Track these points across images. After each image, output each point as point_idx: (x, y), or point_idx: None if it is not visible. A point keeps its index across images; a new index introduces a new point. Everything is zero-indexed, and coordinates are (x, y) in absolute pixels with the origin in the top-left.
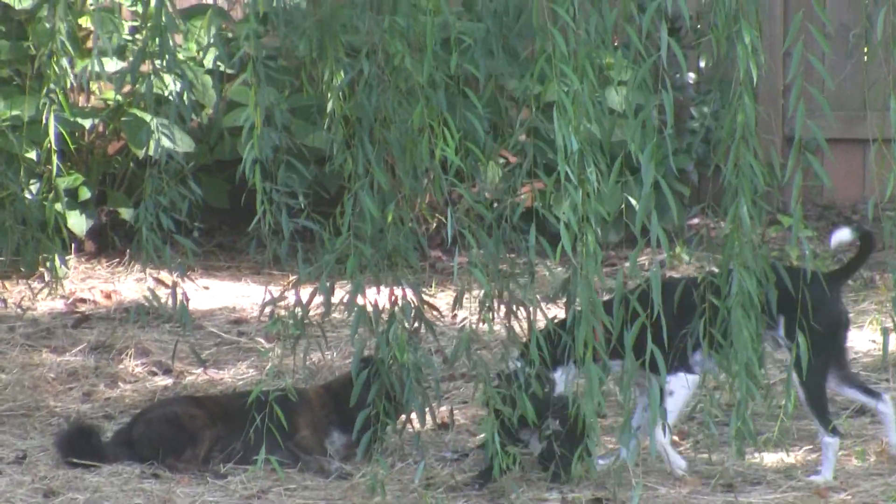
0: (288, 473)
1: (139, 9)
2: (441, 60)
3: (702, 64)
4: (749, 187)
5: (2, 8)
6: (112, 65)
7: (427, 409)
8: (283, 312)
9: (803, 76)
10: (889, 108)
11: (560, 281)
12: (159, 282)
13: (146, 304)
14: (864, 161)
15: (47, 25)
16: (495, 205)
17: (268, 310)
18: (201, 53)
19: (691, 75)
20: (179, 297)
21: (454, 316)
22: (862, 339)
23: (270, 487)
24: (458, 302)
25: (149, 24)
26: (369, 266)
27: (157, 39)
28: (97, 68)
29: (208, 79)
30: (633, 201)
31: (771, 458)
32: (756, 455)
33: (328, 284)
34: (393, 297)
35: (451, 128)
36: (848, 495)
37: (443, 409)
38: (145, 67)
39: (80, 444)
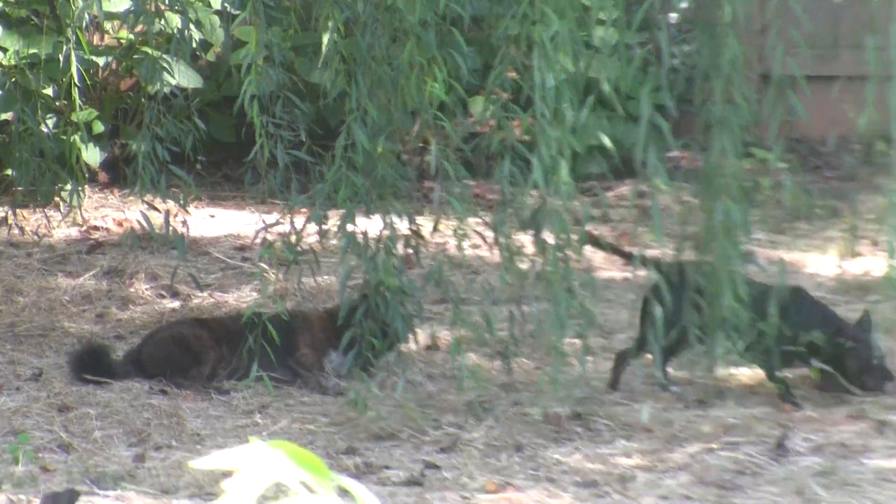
0: (288, 390)
1: None
2: (432, 1)
3: (684, 5)
4: (736, 122)
5: None
6: (123, 4)
7: (410, 330)
8: (278, 239)
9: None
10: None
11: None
12: (154, 208)
13: (139, 229)
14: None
15: None
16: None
17: (263, 236)
18: None
19: (673, 15)
20: (176, 224)
21: (437, 242)
22: (828, 265)
23: (271, 403)
24: (436, 228)
25: None
26: (360, 195)
27: None
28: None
29: (216, 18)
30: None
31: (742, 375)
32: (728, 371)
33: (321, 213)
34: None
35: (439, 66)
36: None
37: (444, 332)
38: (151, 7)
39: (93, 363)
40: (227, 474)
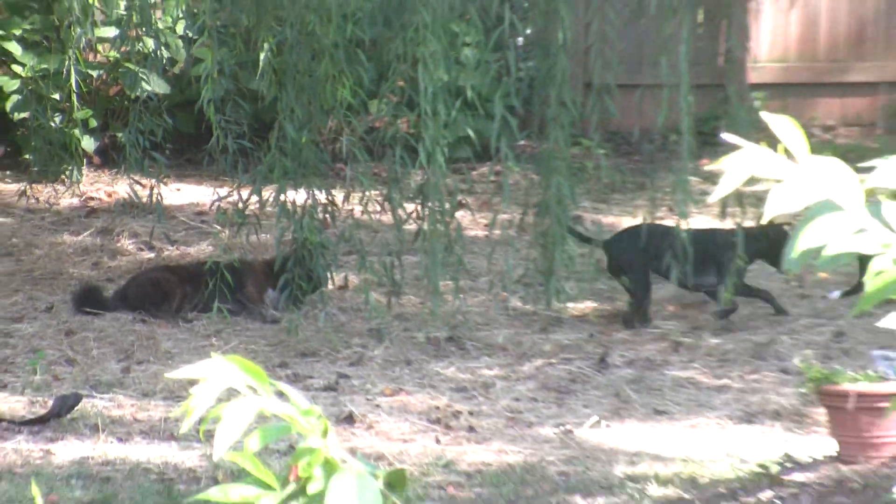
0: (236, 319)
1: None
2: (341, 28)
3: (528, 31)
4: (566, 119)
5: None
6: (111, 31)
7: (328, 275)
8: (229, 207)
9: (599, 39)
10: (659, 63)
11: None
12: (138, 183)
13: (127, 199)
14: (640, 100)
15: (66, 4)
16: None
17: (217, 205)
18: (174, 21)
19: (520, 39)
20: (155, 195)
21: (347, 209)
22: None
23: (224, 329)
24: (346, 199)
25: (135, 2)
26: (289, 174)
27: (140, 14)
28: (93, 35)
29: (180, 42)
30: (471, 131)
31: (573, 308)
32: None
33: (261, 187)
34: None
35: (347, 76)
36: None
37: (353, 276)
38: (132, 33)
39: (90, 299)
40: (193, 382)
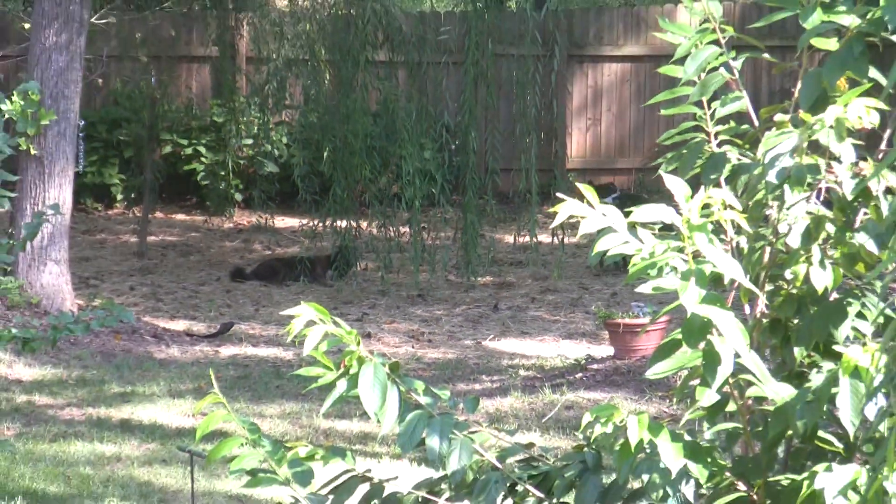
0: (312, 286)
1: None
2: (365, 139)
3: (456, 142)
4: (475, 185)
5: None
6: (250, 141)
7: (356, 262)
8: (308, 229)
9: (492, 147)
10: (520, 158)
11: (405, 219)
12: (261, 217)
13: (257, 224)
14: (512, 176)
15: (228, 128)
16: None
17: (302, 227)
18: (282, 135)
19: (453, 146)
20: (269, 222)
21: None
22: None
23: (305, 289)
24: (368, 224)
25: (261, 131)
26: (338, 213)
27: (265, 132)
28: (241, 143)
29: (283, 142)
30: (433, 189)
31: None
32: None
33: (324, 219)
34: None
35: (366, 164)
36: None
37: (369, 263)
38: (260, 141)
39: (238, 274)
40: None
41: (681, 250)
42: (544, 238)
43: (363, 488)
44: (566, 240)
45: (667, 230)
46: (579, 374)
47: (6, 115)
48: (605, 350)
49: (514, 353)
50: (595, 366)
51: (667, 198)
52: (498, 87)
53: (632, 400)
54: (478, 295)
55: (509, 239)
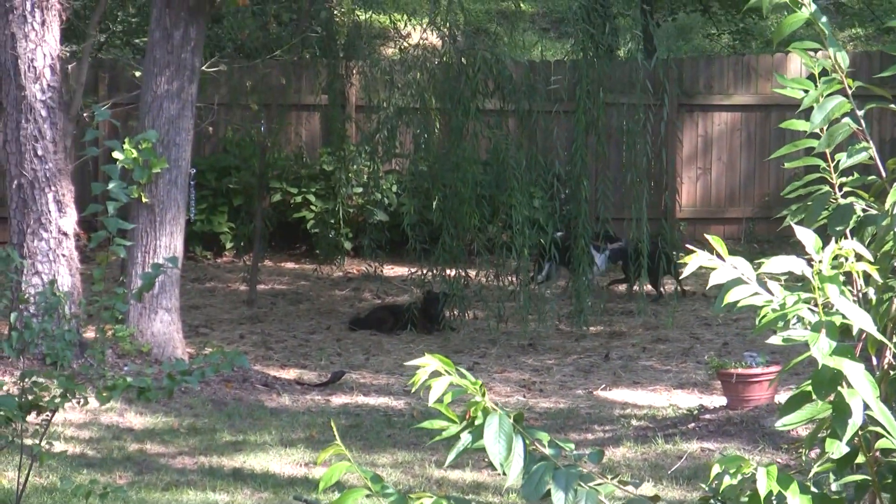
0: (419, 333)
1: None
2: (474, 188)
3: (566, 191)
4: (587, 233)
5: None
6: (360, 189)
7: (466, 309)
8: (417, 277)
9: (604, 197)
10: (630, 208)
11: (513, 267)
12: (370, 265)
13: (367, 272)
14: (625, 225)
15: (338, 175)
16: None
17: (411, 276)
18: (391, 185)
19: (563, 195)
20: (379, 271)
21: None
22: None
23: (415, 338)
24: (476, 273)
25: (371, 181)
26: (448, 262)
27: (376, 181)
28: (351, 192)
29: (393, 191)
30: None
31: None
32: None
33: (434, 268)
34: None
35: (476, 213)
36: None
37: (479, 312)
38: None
39: (351, 322)
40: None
41: (810, 301)
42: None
43: None
44: (673, 289)
45: (794, 281)
46: (692, 424)
47: (120, 164)
48: (717, 400)
49: (626, 402)
50: (707, 416)
51: (708, 248)
52: (608, 135)
53: (745, 450)
54: (589, 344)
55: (621, 288)
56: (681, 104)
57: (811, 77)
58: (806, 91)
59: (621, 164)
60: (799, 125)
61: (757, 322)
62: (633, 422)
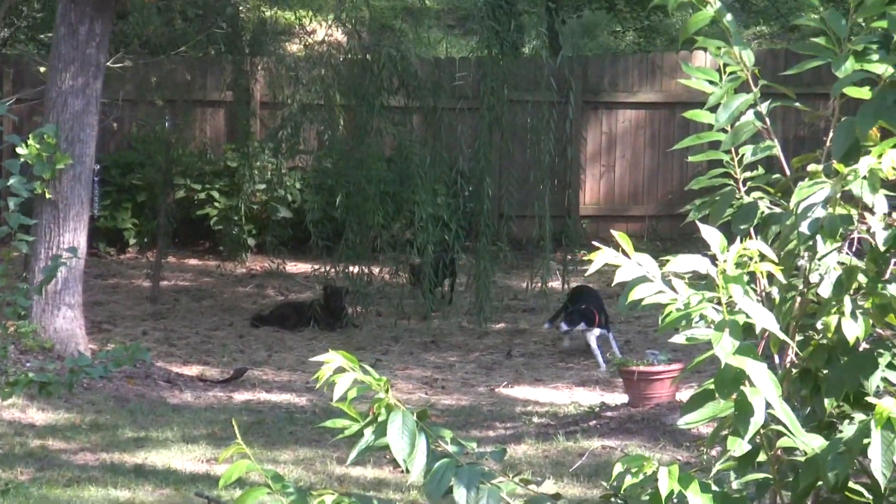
0: (319, 330)
1: None
2: (378, 185)
3: (470, 188)
4: (490, 231)
5: None
6: (262, 186)
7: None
8: (320, 274)
9: (507, 194)
10: (534, 205)
11: (416, 265)
12: (273, 262)
13: (269, 269)
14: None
15: (242, 171)
16: None
17: (314, 272)
18: (295, 180)
19: (467, 192)
20: (281, 267)
21: None
22: None
23: (317, 335)
24: (379, 271)
25: (274, 176)
26: (350, 258)
27: (280, 178)
28: (254, 188)
29: (297, 187)
30: (445, 237)
31: None
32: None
33: (336, 264)
34: None
35: (380, 209)
36: None
37: (385, 308)
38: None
39: (254, 318)
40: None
41: (714, 300)
42: (556, 284)
43: None
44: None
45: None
46: (593, 422)
47: (22, 159)
48: (618, 398)
49: (528, 399)
50: (609, 413)
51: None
52: (512, 133)
53: (646, 448)
54: (491, 342)
55: (522, 285)
56: (585, 102)
57: (718, 70)
58: (712, 82)
59: (525, 162)
60: (703, 116)
61: (661, 320)
62: (535, 419)
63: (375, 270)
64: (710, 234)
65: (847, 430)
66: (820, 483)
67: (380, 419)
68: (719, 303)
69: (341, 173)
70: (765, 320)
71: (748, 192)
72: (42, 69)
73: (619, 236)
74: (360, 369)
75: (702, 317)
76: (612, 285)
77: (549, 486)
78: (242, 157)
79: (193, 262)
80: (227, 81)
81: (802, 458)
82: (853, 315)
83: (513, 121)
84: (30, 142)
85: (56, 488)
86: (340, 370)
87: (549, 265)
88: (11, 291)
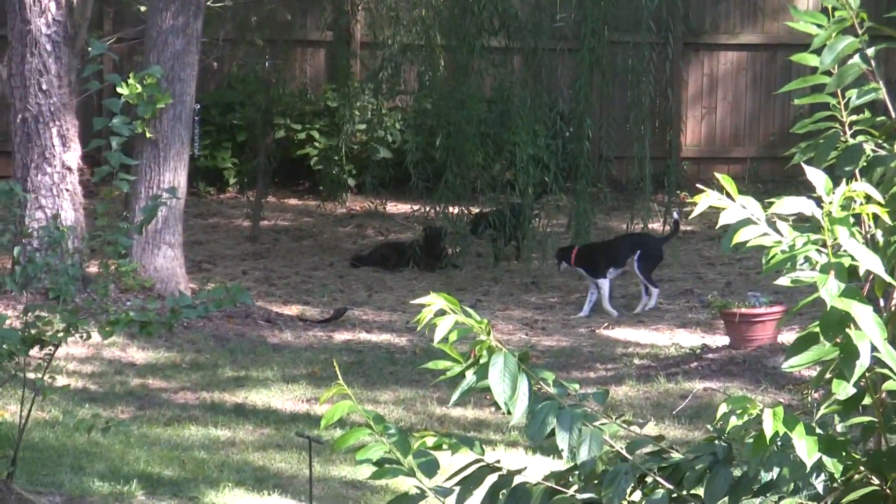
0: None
1: None
2: (478, 125)
3: (571, 129)
4: (589, 173)
5: None
6: (363, 126)
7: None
8: (420, 215)
9: (607, 136)
10: (634, 146)
11: (516, 204)
12: (372, 202)
13: (369, 209)
14: (626, 165)
15: (343, 111)
16: None
17: (415, 214)
18: (395, 122)
19: (567, 133)
20: (381, 207)
21: None
22: None
23: (419, 275)
24: (480, 210)
25: (375, 117)
26: (451, 199)
27: (379, 119)
28: (354, 128)
29: (397, 128)
30: (546, 178)
31: None
32: None
33: (437, 205)
34: None
35: (480, 150)
36: None
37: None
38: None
39: (354, 259)
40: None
41: (819, 242)
42: (657, 226)
43: (490, 479)
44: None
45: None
46: (694, 364)
47: (123, 99)
48: (719, 340)
49: (628, 341)
50: (710, 355)
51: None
52: (613, 74)
53: (748, 390)
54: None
55: (623, 227)
56: (686, 43)
57: (824, 11)
58: (818, 25)
59: (626, 104)
60: (809, 59)
61: (764, 263)
62: (636, 360)
63: (476, 211)
64: (816, 176)
65: None
66: None
67: (481, 361)
68: (824, 245)
69: (441, 114)
70: (870, 262)
71: (853, 136)
72: (142, 8)
73: (723, 179)
74: (460, 311)
75: (806, 259)
76: (717, 227)
77: (650, 428)
78: (342, 97)
79: (293, 201)
80: (327, 21)
81: None
82: None
83: (613, 62)
84: (130, 81)
85: (156, 427)
86: (441, 312)
87: (649, 207)
88: (112, 231)
